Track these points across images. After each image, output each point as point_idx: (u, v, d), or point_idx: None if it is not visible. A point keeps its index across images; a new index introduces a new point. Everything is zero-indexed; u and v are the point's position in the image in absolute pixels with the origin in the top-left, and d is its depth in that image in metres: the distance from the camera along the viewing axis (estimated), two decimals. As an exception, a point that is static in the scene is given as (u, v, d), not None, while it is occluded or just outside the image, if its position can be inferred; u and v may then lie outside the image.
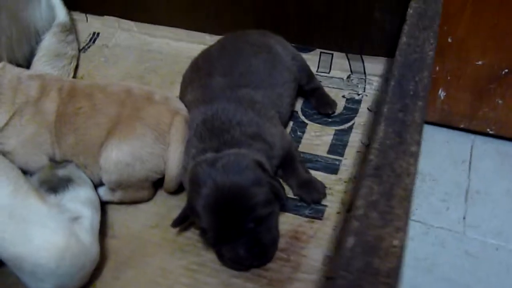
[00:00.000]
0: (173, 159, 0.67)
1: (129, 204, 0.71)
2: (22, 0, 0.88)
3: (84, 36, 1.07)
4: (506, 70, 0.87)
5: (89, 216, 0.64)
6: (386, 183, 0.44)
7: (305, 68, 0.83)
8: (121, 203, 0.71)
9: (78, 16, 1.08)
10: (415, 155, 0.46)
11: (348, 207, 0.67)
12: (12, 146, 0.68)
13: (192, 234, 0.67)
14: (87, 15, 1.10)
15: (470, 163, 0.95)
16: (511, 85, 0.89)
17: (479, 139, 0.99)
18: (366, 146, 0.76)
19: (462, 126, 0.99)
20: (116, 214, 0.71)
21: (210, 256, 0.64)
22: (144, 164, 0.67)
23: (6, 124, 0.67)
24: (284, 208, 0.66)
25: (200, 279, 0.61)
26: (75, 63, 0.97)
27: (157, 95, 0.71)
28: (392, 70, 0.57)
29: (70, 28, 1.00)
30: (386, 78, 0.88)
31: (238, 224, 0.58)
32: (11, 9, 0.85)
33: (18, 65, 0.87)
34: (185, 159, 0.66)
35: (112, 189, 0.69)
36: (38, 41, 0.94)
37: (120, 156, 0.65)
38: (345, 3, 0.83)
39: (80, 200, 0.65)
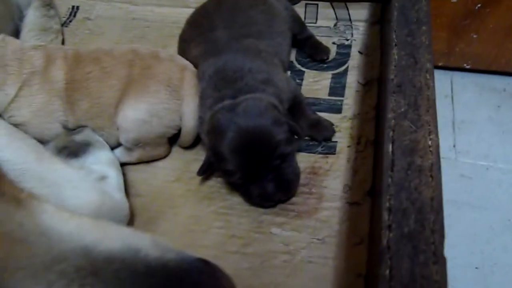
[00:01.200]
0: (188, 112, 0.69)
1: (147, 163, 0.73)
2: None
3: (63, 11, 1.04)
4: (479, 5, 0.93)
5: (114, 176, 0.65)
6: (410, 96, 0.48)
7: (297, 18, 0.86)
8: (138, 162, 0.73)
9: (54, -10, 1.06)
10: (430, 71, 0.50)
11: (357, 140, 0.72)
12: (25, 117, 0.68)
13: (214, 182, 0.70)
14: (63, -12, 1.07)
15: (452, 97, 1.01)
16: (484, 19, 0.96)
17: (457, 75, 1.05)
18: (363, 85, 0.81)
19: (440, 64, 1.06)
20: (135, 174, 0.72)
21: (236, 199, 0.67)
22: (161, 120, 0.68)
23: (16, 95, 0.67)
24: (298, 148, 0.70)
25: (232, 221, 0.65)
26: (61, 38, 0.96)
27: (161, 53, 0.73)
28: (392, 1, 0.60)
29: (50, 2, 0.98)
30: (370, 22, 0.92)
31: (264, 162, 0.61)
32: None
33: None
34: (202, 110, 0.68)
35: (129, 149, 0.71)
36: (21, 17, 0.92)
37: (138, 114, 0.67)
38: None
39: (102, 162, 0.66)
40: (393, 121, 0.46)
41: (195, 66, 0.73)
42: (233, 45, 0.70)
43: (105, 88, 0.68)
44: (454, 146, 0.92)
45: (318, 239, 0.61)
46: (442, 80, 1.04)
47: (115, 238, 0.32)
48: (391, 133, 0.45)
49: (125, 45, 0.75)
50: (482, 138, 0.93)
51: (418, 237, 0.37)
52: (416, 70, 0.51)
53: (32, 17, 0.92)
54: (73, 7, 1.06)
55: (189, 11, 0.98)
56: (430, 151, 0.43)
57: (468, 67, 1.04)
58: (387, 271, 0.37)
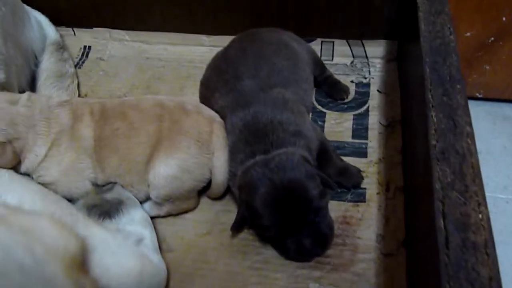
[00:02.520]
0: (219, 166, 0.69)
1: (176, 215, 0.73)
2: (20, 24, 0.85)
3: (75, 51, 1.04)
4: (492, 39, 0.95)
5: (149, 236, 0.65)
6: (455, 164, 0.48)
7: (318, 60, 0.87)
8: (168, 215, 0.72)
9: (64, 31, 1.05)
10: (471, 136, 0.51)
11: (386, 187, 0.73)
12: (54, 176, 0.67)
13: (246, 235, 0.70)
14: (74, 29, 1.07)
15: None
16: (496, 51, 0.97)
17: (470, 103, 1.06)
18: (386, 127, 0.82)
19: (453, 93, 1.07)
20: (165, 228, 0.72)
21: (270, 253, 0.67)
22: (192, 175, 0.68)
23: (45, 155, 0.66)
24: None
25: (269, 276, 0.65)
26: (76, 81, 0.95)
27: (188, 104, 0.72)
28: (423, 57, 0.61)
29: (63, 45, 0.98)
30: (386, 59, 0.93)
31: (300, 217, 0.61)
32: (15, 36, 0.82)
33: (24, 91, 0.86)
34: (233, 165, 0.68)
35: (159, 204, 0.71)
36: (36, 64, 0.91)
37: (169, 170, 0.67)
38: (344, 3, 0.87)
39: (136, 221, 0.66)
40: (441, 192, 0.46)
41: (221, 115, 0.73)
42: (261, 96, 0.70)
43: (134, 145, 0.68)
44: (505, 187, 0.93)
45: (358, 293, 0.61)
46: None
47: None
48: (441, 207, 0.45)
49: (150, 98, 0.74)
50: (500, 169, 0.94)
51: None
52: (457, 135, 0.51)
53: (47, 63, 0.92)
54: (85, 47, 1.05)
55: (204, 50, 0.99)
56: (482, 225, 0.43)
57: (480, 96, 1.06)
58: None
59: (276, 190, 0.60)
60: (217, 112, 0.74)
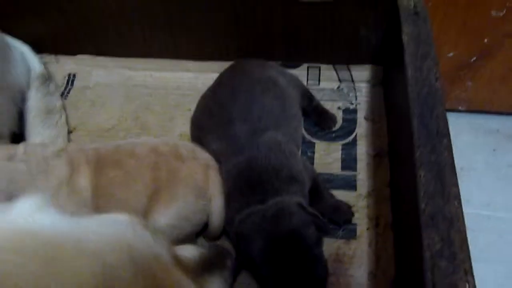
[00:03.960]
0: (216, 212, 0.71)
1: (174, 257, 0.75)
2: (5, 64, 0.84)
3: (60, 79, 1.03)
4: (475, 58, 0.97)
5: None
6: (443, 230, 0.51)
7: (305, 91, 0.88)
8: (167, 258, 0.74)
9: (47, 58, 1.04)
10: (458, 198, 0.54)
11: (376, 222, 0.76)
12: (53, 231, 0.68)
13: (242, 278, 0.72)
14: (57, 56, 1.05)
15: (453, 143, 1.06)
16: (478, 69, 1.00)
17: (452, 116, 1.10)
18: (373, 157, 0.84)
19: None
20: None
21: (268, 294, 0.70)
22: (190, 222, 0.70)
23: (44, 211, 0.67)
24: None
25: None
26: (64, 115, 0.94)
27: (183, 149, 0.73)
28: (409, 107, 0.63)
29: (49, 77, 0.96)
30: (372, 83, 0.95)
31: (297, 267, 0.63)
32: (1, 80, 0.81)
33: (14, 133, 0.85)
34: (229, 212, 0.70)
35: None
36: (23, 99, 0.90)
37: (168, 220, 0.68)
38: (331, 23, 0.87)
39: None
40: (430, 261, 0.49)
41: (215, 158, 0.75)
42: (254, 142, 0.71)
43: (132, 194, 0.69)
44: (488, 204, 0.97)
45: (352, 334, 0.65)
46: (438, 124, 1.08)
47: None
48: (430, 276, 0.48)
49: (145, 143, 0.74)
50: (482, 185, 0.98)
51: None
52: (444, 198, 0.54)
53: (34, 100, 0.90)
54: (69, 75, 1.04)
55: (190, 75, 1.00)
56: (470, 295, 0.47)
57: (463, 109, 1.09)
58: None
59: (274, 242, 0.63)
60: (210, 153, 0.75)
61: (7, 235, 0.38)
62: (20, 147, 0.70)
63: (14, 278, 0.34)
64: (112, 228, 0.43)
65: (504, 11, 0.86)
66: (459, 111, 1.10)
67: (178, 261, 0.49)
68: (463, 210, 0.92)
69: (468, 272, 0.48)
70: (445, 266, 0.49)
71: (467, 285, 0.47)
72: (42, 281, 0.36)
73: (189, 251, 0.58)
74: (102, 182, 0.70)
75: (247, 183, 0.69)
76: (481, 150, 1.04)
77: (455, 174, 0.56)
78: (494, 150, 1.03)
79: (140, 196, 0.69)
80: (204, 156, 0.75)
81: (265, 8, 0.87)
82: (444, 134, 0.60)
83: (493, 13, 0.87)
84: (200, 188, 0.71)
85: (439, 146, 0.59)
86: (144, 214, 0.69)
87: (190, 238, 0.74)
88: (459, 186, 0.94)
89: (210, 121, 0.78)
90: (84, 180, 0.69)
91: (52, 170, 0.69)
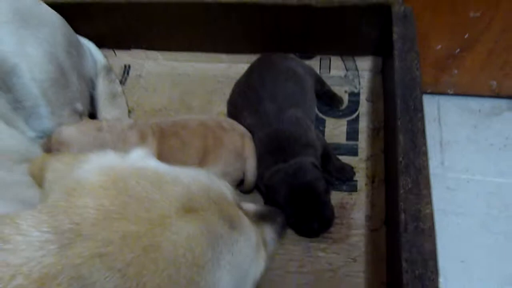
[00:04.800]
0: (250, 170, 0.94)
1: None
2: (81, 58, 1.07)
3: (118, 70, 1.27)
4: (458, 50, 1.17)
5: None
6: (414, 176, 0.73)
7: (318, 78, 1.10)
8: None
9: (107, 52, 1.27)
10: (426, 154, 0.76)
11: (372, 179, 0.98)
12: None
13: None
14: (115, 50, 1.29)
15: (439, 119, 1.27)
16: (462, 59, 1.20)
17: (442, 98, 1.31)
18: (372, 130, 1.06)
19: (429, 91, 1.31)
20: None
21: (290, 232, 0.93)
22: (231, 177, 0.93)
23: (123, 169, 0.91)
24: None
25: (289, 248, 0.91)
26: (124, 98, 1.18)
27: (224, 123, 0.96)
28: (395, 90, 0.85)
29: (110, 67, 1.20)
30: (373, 71, 1.16)
31: (310, 209, 0.87)
32: (80, 70, 1.04)
33: (89, 114, 1.09)
34: (260, 169, 0.93)
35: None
36: (93, 87, 1.14)
37: (215, 173, 0.91)
38: (339, 23, 1.08)
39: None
40: (403, 195, 0.72)
41: (249, 130, 0.97)
42: (279, 117, 0.94)
43: (186, 157, 0.93)
44: (442, 163, 1.18)
45: (351, 259, 0.88)
46: (431, 105, 1.29)
47: None
48: (403, 205, 0.71)
49: (195, 118, 0.97)
50: (463, 155, 1.19)
51: (424, 278, 0.63)
52: (415, 154, 0.76)
53: (101, 86, 1.14)
54: (125, 66, 1.28)
55: (224, 66, 1.22)
56: (429, 217, 0.69)
57: (451, 92, 1.29)
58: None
59: (293, 190, 0.86)
60: (245, 127, 0.98)
61: (133, 170, 0.59)
62: (104, 121, 0.93)
63: (141, 191, 0.54)
64: (194, 172, 0.57)
65: (480, 13, 1.07)
66: (448, 94, 1.30)
67: (239, 206, 0.62)
68: (447, 175, 1.14)
69: (429, 202, 0.70)
70: (413, 198, 0.71)
71: (427, 210, 0.70)
72: (154, 195, 0.55)
73: (246, 205, 0.70)
74: (164, 149, 0.93)
75: (274, 148, 0.91)
76: (464, 126, 1.25)
77: (425, 137, 0.78)
78: (475, 127, 1.24)
79: (193, 158, 0.93)
80: (240, 128, 0.98)
81: (286, 13, 1.08)
82: (419, 110, 0.81)
83: (471, 14, 1.08)
84: (238, 151, 0.94)
85: (415, 118, 0.80)
86: (196, 171, 0.93)
87: (229, 191, 0.97)
88: (445, 156, 1.16)
89: (245, 102, 1.01)
90: (151, 147, 0.93)
91: (127, 139, 0.92)
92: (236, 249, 0.49)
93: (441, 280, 0.97)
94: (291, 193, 0.86)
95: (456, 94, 1.30)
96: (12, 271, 0.37)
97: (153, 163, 0.56)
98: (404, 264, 0.65)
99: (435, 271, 0.64)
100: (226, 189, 0.58)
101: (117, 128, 0.93)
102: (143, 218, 0.43)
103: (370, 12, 1.04)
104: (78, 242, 0.40)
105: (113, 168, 0.49)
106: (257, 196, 0.99)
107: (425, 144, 0.77)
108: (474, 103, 1.28)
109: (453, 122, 1.26)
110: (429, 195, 0.71)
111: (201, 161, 0.93)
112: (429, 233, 0.67)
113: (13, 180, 0.78)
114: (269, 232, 0.66)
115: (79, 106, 0.98)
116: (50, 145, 0.88)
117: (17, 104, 0.84)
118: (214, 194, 0.53)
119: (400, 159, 0.76)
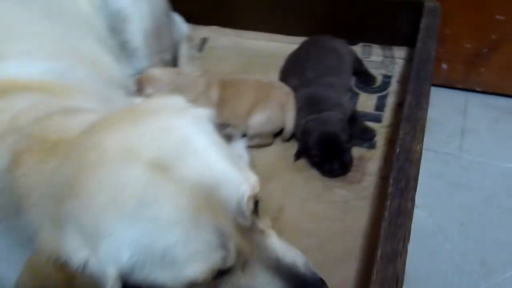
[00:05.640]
0: (290, 120, 1.18)
1: (259, 148, 1.23)
2: (171, 24, 1.37)
3: (197, 41, 1.56)
4: (486, 50, 1.35)
5: (246, 156, 1.16)
6: (413, 122, 0.94)
7: (357, 58, 1.32)
8: (254, 146, 1.22)
9: (191, 26, 1.57)
10: (426, 110, 0.96)
11: (389, 141, 1.19)
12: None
13: (302, 161, 1.18)
14: (197, 25, 1.59)
15: (465, 112, 1.44)
16: (489, 59, 1.37)
17: (470, 95, 1.48)
18: (397, 105, 1.27)
19: (459, 86, 1.48)
20: (254, 153, 1.22)
21: (314, 172, 1.16)
22: (274, 122, 1.18)
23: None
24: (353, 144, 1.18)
25: (311, 183, 1.13)
26: (200, 62, 1.47)
27: (275, 82, 1.22)
28: (413, 68, 1.06)
29: (191, 37, 1.50)
30: (407, 60, 1.37)
31: (333, 152, 1.09)
32: (170, 32, 1.34)
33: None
34: (298, 120, 1.16)
35: (252, 138, 1.21)
36: (176, 49, 1.44)
37: (262, 118, 1.16)
38: (380, 17, 1.31)
39: (240, 147, 1.17)
40: (402, 135, 0.92)
41: (293, 89, 1.22)
42: (317, 81, 1.18)
43: (240, 104, 1.18)
44: (460, 146, 1.35)
45: (361, 196, 1.09)
46: (459, 99, 1.46)
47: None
48: (400, 143, 0.91)
49: (252, 77, 1.24)
50: (481, 142, 1.35)
51: (404, 190, 0.84)
52: (418, 109, 0.97)
53: (183, 49, 1.44)
54: (203, 39, 1.57)
55: (282, 45, 1.47)
56: (418, 152, 0.89)
57: (479, 89, 1.46)
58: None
59: (321, 135, 1.08)
60: (291, 87, 1.23)
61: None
62: (182, 69, 1.22)
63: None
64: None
65: (505, 17, 1.25)
66: (476, 91, 1.47)
67: None
68: (463, 157, 1.31)
69: (420, 143, 0.91)
70: (408, 139, 0.92)
71: (418, 148, 0.90)
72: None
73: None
74: (224, 95, 1.19)
75: (310, 103, 1.15)
76: (486, 119, 1.40)
77: (428, 101, 0.98)
78: (497, 121, 1.39)
79: (247, 104, 1.18)
80: (286, 87, 1.22)
81: (336, 4, 1.32)
82: (428, 79, 1.02)
83: (497, 16, 1.26)
84: (282, 104, 1.18)
85: (424, 84, 1.01)
86: (247, 115, 1.18)
87: (270, 137, 1.22)
88: (464, 142, 1.33)
89: (292, 69, 1.26)
90: (214, 92, 1.20)
91: (197, 84, 1.20)
92: None
93: (439, 235, 1.17)
94: (319, 137, 1.09)
95: (483, 92, 1.46)
96: None
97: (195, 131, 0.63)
98: (391, 181, 0.86)
99: (414, 187, 0.84)
100: None
101: (191, 75, 1.21)
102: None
103: (407, 8, 1.26)
104: None
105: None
106: (293, 144, 1.22)
107: (427, 102, 0.98)
108: (500, 101, 1.44)
109: (476, 115, 1.43)
110: (421, 138, 0.92)
111: (252, 108, 1.18)
112: (416, 163, 0.88)
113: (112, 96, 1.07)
114: None
115: (167, 56, 1.27)
116: (141, 79, 1.17)
117: (125, 45, 1.15)
118: None
119: (405, 110, 0.97)
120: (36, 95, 0.82)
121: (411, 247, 1.12)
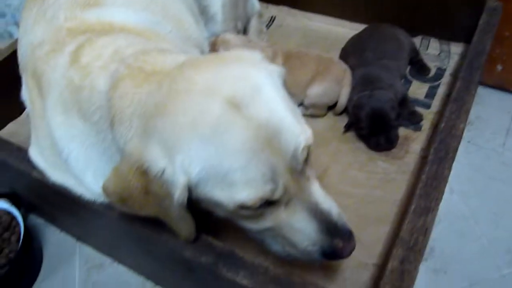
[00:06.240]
0: (344, 94, 1.29)
1: (313, 117, 1.34)
2: (246, 1, 1.51)
3: (266, 18, 1.69)
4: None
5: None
6: (460, 103, 1.02)
7: (414, 48, 1.41)
8: (309, 116, 1.34)
9: (262, 5, 1.70)
10: (473, 95, 1.04)
11: (435, 126, 1.27)
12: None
13: (350, 133, 1.29)
14: (267, 4, 1.72)
15: (513, 114, 1.49)
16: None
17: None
18: (447, 96, 1.34)
19: (511, 89, 1.53)
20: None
21: (361, 144, 1.26)
22: (329, 95, 1.29)
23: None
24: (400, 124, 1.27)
25: (357, 154, 1.24)
26: (266, 37, 1.60)
27: (335, 59, 1.33)
28: (467, 57, 1.14)
29: (262, 14, 1.63)
30: (463, 56, 1.43)
31: (381, 127, 1.19)
32: (242, 5, 1.47)
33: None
34: (352, 94, 1.27)
35: (307, 108, 1.32)
36: (248, 22, 1.57)
37: (319, 90, 1.28)
38: (443, 14, 1.38)
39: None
40: (448, 114, 1.01)
41: (350, 68, 1.32)
42: (375, 62, 1.28)
43: (302, 74, 1.30)
44: (503, 144, 1.41)
45: (401, 170, 1.18)
46: (509, 101, 1.51)
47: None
48: (446, 119, 1.00)
49: (314, 52, 1.36)
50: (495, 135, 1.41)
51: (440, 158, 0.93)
52: (466, 94, 1.05)
53: (254, 23, 1.57)
54: (272, 17, 1.70)
55: (344, 30, 1.57)
56: (461, 129, 0.98)
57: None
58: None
59: (373, 110, 1.18)
60: (349, 66, 1.33)
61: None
62: (252, 38, 1.35)
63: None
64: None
65: None
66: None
67: None
68: (506, 154, 1.37)
69: (463, 121, 0.99)
70: (454, 117, 1.00)
71: (462, 125, 0.98)
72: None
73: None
74: (288, 64, 1.31)
75: (365, 81, 1.25)
76: None
77: (476, 87, 1.06)
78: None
79: (307, 75, 1.30)
80: (345, 65, 1.33)
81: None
82: (478, 68, 1.09)
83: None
84: (339, 79, 1.29)
85: (474, 72, 1.09)
86: (306, 86, 1.30)
87: (324, 109, 1.33)
88: (507, 140, 1.39)
89: (353, 49, 1.36)
90: (279, 61, 1.32)
91: (264, 52, 1.32)
92: None
93: (471, 221, 1.24)
94: (370, 111, 1.19)
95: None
96: None
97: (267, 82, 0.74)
98: (432, 150, 0.95)
99: (452, 158, 0.93)
100: None
101: (260, 43, 1.34)
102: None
103: (468, 5, 1.33)
104: None
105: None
106: (344, 118, 1.33)
107: (475, 89, 1.06)
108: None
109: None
110: (465, 119, 1.00)
111: (312, 79, 1.30)
112: (457, 138, 0.96)
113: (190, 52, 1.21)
114: None
115: (239, 25, 1.41)
116: (215, 42, 1.31)
117: (205, 9, 1.29)
118: None
119: (454, 93, 1.05)
120: (133, 36, 0.96)
121: (443, 226, 1.22)
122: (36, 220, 1.33)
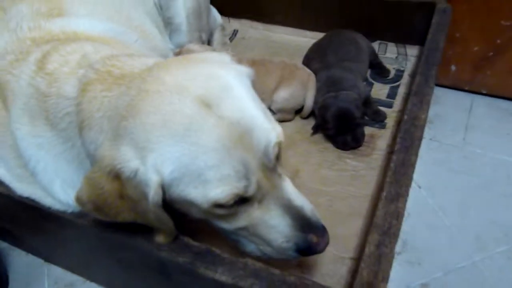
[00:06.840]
0: (310, 97, 1.32)
1: (282, 122, 1.36)
2: (208, 13, 1.54)
3: (229, 32, 1.72)
4: (492, 53, 1.48)
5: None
6: (420, 96, 1.07)
7: (374, 51, 1.47)
8: (278, 121, 1.36)
9: (224, 19, 1.74)
10: (432, 89, 1.09)
11: (397, 123, 1.31)
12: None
13: (318, 135, 1.32)
14: (229, 18, 1.76)
15: (470, 110, 1.56)
16: (494, 62, 1.50)
17: (477, 97, 1.60)
18: (408, 95, 1.40)
19: (466, 88, 1.61)
20: (275, 127, 1.35)
21: (329, 144, 1.28)
22: (296, 99, 1.32)
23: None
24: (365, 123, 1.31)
25: (326, 154, 1.26)
26: (230, 49, 1.63)
27: (299, 64, 1.36)
28: (424, 54, 1.19)
29: (224, 27, 1.66)
30: (419, 57, 1.50)
31: (347, 126, 1.22)
32: (207, 18, 1.50)
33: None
34: (317, 97, 1.30)
35: (275, 113, 1.35)
36: (211, 35, 1.60)
37: (286, 94, 1.30)
38: (396, 19, 1.46)
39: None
40: (410, 106, 1.05)
41: (314, 72, 1.36)
42: (337, 64, 1.32)
43: (267, 80, 1.33)
44: (463, 139, 1.47)
45: (370, 167, 1.21)
46: (465, 100, 1.59)
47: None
48: (409, 107, 1.04)
49: (279, 58, 1.39)
50: (483, 137, 1.47)
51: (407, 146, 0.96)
52: (425, 87, 1.10)
53: (217, 36, 1.60)
54: (234, 30, 1.73)
55: (305, 40, 1.62)
56: (423, 120, 1.02)
57: (484, 92, 1.59)
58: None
59: (338, 111, 1.22)
60: (312, 71, 1.37)
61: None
62: (216, 49, 1.37)
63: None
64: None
65: (510, 22, 1.38)
66: (482, 93, 1.59)
67: None
68: (466, 148, 1.43)
69: (425, 112, 1.03)
70: (415, 109, 1.05)
71: (423, 116, 1.03)
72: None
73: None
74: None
75: (330, 83, 1.29)
76: (489, 118, 1.52)
77: (434, 81, 1.11)
78: (498, 120, 1.52)
79: (273, 81, 1.32)
80: (308, 70, 1.37)
81: (358, 4, 1.47)
82: (435, 64, 1.15)
83: (503, 22, 1.39)
84: (304, 83, 1.32)
85: (430, 68, 1.14)
86: (273, 91, 1.32)
87: (291, 113, 1.36)
88: (467, 135, 1.45)
89: (315, 54, 1.41)
90: (245, 69, 1.34)
91: (231, 61, 1.35)
92: None
93: (440, 213, 1.28)
94: (335, 111, 1.22)
95: (489, 94, 1.59)
96: None
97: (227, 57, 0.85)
98: (398, 140, 0.98)
99: (418, 145, 0.96)
100: None
101: (224, 54, 1.36)
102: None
103: (421, 9, 1.41)
104: None
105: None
106: (311, 120, 1.36)
107: (433, 83, 1.11)
108: (504, 104, 1.56)
109: (480, 114, 1.55)
110: (426, 110, 1.04)
111: (277, 85, 1.32)
112: (420, 128, 1.00)
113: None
114: None
115: (204, 36, 1.43)
116: (181, 52, 1.32)
117: (169, 20, 1.31)
118: None
119: (414, 87, 1.10)
120: (100, 44, 0.96)
121: (413, 220, 1.25)
122: (1, 245, 1.27)
